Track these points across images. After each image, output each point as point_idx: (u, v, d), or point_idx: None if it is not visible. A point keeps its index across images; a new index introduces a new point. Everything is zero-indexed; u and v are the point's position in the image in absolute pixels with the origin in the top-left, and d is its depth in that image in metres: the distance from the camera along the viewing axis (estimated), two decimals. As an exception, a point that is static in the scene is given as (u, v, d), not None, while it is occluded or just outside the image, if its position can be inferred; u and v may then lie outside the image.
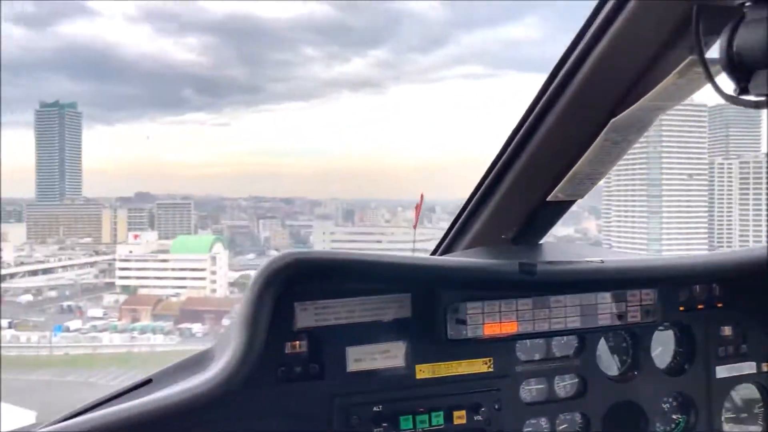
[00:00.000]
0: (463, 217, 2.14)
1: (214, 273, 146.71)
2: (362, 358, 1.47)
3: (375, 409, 1.50)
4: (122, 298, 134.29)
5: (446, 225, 2.26)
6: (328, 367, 1.46)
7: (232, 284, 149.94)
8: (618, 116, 1.58)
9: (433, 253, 2.20)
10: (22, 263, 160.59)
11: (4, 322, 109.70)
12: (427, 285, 1.61)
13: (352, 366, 1.48)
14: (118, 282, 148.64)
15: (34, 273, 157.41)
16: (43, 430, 1.42)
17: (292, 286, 1.37)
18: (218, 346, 1.57)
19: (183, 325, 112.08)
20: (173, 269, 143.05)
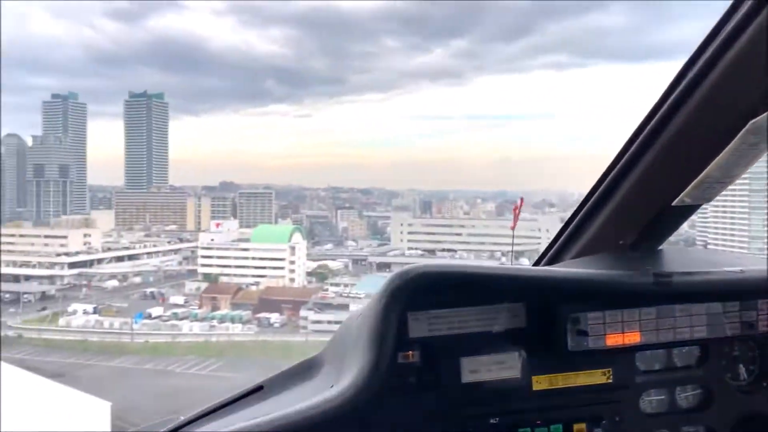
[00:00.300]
0: (576, 220, 2.07)
1: (292, 263, 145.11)
2: (477, 369, 1.45)
3: (492, 421, 1.49)
4: (203, 285, 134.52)
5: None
6: (443, 377, 1.44)
7: (309, 274, 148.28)
8: (759, 116, 1.50)
9: (543, 256, 2.14)
10: (109, 249, 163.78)
11: (89, 307, 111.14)
12: (544, 295, 1.60)
13: (467, 377, 1.46)
14: (200, 270, 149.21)
15: (121, 259, 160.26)
16: None
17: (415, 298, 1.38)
18: (328, 356, 1.57)
19: (261, 315, 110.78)
20: (253, 258, 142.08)
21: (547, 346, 1.57)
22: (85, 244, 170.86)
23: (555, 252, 2.03)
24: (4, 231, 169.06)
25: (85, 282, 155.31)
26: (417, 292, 1.31)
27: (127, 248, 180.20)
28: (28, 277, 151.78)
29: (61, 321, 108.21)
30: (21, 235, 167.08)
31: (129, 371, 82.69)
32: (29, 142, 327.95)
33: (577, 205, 2.04)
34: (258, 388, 1.51)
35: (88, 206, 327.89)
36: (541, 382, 1.56)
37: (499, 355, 1.44)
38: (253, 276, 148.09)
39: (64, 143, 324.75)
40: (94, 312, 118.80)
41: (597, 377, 1.64)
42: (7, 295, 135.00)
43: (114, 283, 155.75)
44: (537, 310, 1.54)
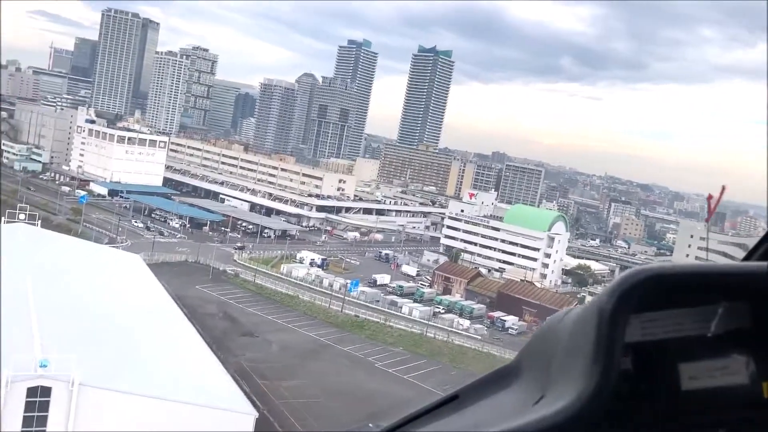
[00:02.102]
0: None
1: (548, 255, 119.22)
2: (698, 376, 1.31)
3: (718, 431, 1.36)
4: (442, 260, 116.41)
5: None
6: (659, 385, 1.30)
7: (566, 273, 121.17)
8: None
9: (755, 250, 1.89)
10: (360, 199, 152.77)
11: (318, 258, 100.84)
12: None
13: (686, 384, 1.31)
14: (443, 240, 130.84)
15: (369, 211, 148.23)
16: None
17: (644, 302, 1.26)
18: (528, 363, 1.47)
19: (496, 314, 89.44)
20: (502, 241, 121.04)
21: None
22: (338, 189, 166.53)
23: None
24: (269, 163, 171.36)
25: (328, 227, 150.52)
26: (646, 295, 1.22)
27: (377, 201, 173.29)
28: (278, 212, 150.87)
29: (284, 267, 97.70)
30: (282, 169, 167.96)
31: (324, 350, 70.86)
32: (320, 82, 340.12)
33: None
34: (453, 397, 1.43)
35: (362, 153, 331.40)
36: None
37: (722, 359, 1.31)
38: (498, 261, 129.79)
39: (350, 88, 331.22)
40: (322, 264, 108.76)
41: None
42: (251, 227, 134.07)
43: (355, 235, 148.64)
44: (765, 309, 1.38)
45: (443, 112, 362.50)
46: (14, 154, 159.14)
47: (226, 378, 45.37)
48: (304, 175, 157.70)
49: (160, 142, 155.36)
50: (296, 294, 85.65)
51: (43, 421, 35.18)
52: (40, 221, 71.18)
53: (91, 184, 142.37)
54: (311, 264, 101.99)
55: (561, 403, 1.14)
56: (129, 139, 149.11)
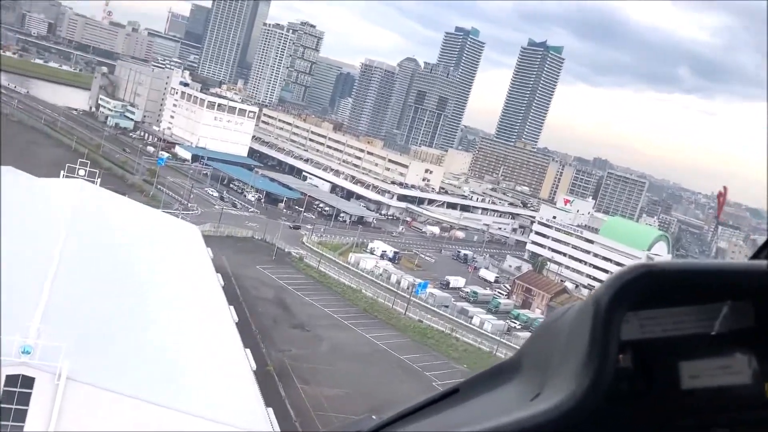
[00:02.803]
0: None
1: None
2: (698, 374, 1.30)
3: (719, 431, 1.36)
4: (525, 267, 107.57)
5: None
6: (659, 383, 1.29)
7: None
8: None
9: (763, 249, 1.94)
10: (445, 192, 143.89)
11: (390, 250, 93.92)
12: None
13: (687, 383, 1.31)
14: (529, 246, 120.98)
15: (453, 206, 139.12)
16: None
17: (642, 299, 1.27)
18: (527, 359, 1.48)
19: None
20: (595, 255, 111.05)
21: None
22: (424, 179, 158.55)
23: None
24: (356, 144, 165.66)
25: (407, 219, 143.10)
26: (642, 292, 1.22)
27: (464, 196, 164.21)
28: (358, 197, 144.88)
29: (352, 257, 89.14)
30: (369, 153, 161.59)
31: (379, 356, 62.95)
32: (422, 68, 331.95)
33: None
34: (454, 391, 1.45)
35: (455, 145, 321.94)
36: None
37: (723, 358, 1.30)
38: (588, 277, 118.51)
39: (452, 76, 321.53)
40: (394, 258, 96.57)
41: None
42: (327, 209, 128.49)
43: (434, 230, 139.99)
44: (767, 308, 1.37)
45: (546, 111, 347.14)
46: (110, 109, 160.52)
47: (252, 389, 39.11)
48: (389, 161, 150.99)
49: (249, 111, 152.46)
50: (360, 288, 79.02)
51: (21, 415, 30.03)
52: (100, 179, 67.53)
53: (177, 147, 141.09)
54: (382, 256, 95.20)
55: (556, 399, 1.16)
56: (219, 105, 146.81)
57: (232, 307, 53.31)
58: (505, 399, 1.33)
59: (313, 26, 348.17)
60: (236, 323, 49.96)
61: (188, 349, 38.70)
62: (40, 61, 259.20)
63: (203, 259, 59.98)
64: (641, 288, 1.18)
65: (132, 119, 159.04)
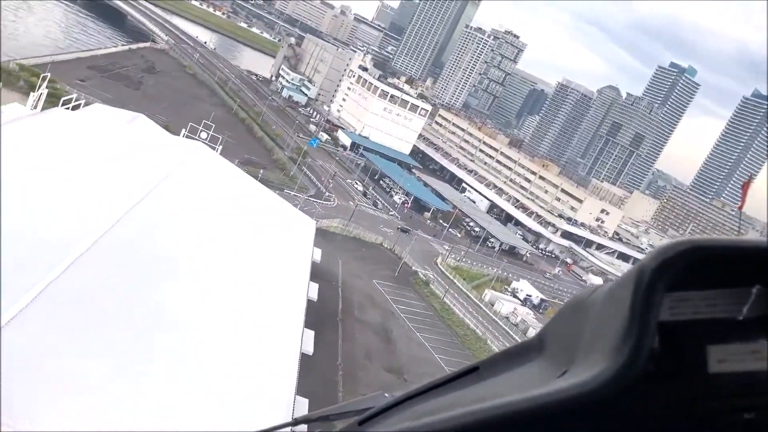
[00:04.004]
0: None
1: None
2: (727, 359, 1.20)
3: (746, 416, 1.21)
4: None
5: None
6: (686, 366, 1.21)
7: None
8: None
9: None
10: (619, 239, 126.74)
11: (536, 296, 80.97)
12: None
13: (714, 367, 1.20)
14: None
15: (625, 258, 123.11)
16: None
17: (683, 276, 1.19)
18: (552, 337, 1.40)
19: None
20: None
21: None
22: (597, 219, 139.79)
23: None
24: (529, 165, 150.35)
25: (568, 260, 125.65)
26: (686, 268, 1.15)
27: (639, 249, 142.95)
28: (516, 223, 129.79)
29: (487, 294, 71.58)
30: (540, 177, 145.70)
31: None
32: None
33: None
34: (473, 369, 1.39)
35: (643, 188, 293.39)
36: None
37: (753, 343, 1.21)
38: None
39: (654, 113, 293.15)
40: (539, 306, 76.30)
41: None
42: (477, 229, 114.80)
43: (597, 280, 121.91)
44: None
45: (756, 172, 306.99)
46: (287, 81, 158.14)
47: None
48: (562, 190, 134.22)
49: (422, 108, 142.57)
50: (485, 336, 65.41)
51: None
52: (221, 146, 59.71)
53: (339, 131, 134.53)
54: (525, 301, 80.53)
55: (584, 376, 1.12)
56: (391, 96, 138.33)
57: (311, 332, 42.52)
58: (529, 376, 1.31)
59: (516, 36, 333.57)
60: (318, 346, 39.28)
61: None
62: (245, 26, 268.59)
63: (300, 262, 49.84)
64: (685, 264, 1.13)
65: (306, 95, 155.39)
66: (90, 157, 42.98)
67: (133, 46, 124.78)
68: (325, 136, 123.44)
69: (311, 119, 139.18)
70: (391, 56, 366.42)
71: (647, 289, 1.09)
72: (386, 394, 1.40)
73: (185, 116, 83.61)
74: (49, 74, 53.37)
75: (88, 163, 42.08)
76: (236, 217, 48.01)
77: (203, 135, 59.08)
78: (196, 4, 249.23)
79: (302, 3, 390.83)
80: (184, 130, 59.31)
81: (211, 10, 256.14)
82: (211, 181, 51.47)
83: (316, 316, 44.14)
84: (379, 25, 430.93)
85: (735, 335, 1.15)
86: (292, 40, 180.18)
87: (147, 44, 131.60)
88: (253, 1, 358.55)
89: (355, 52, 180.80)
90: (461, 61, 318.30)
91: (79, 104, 57.82)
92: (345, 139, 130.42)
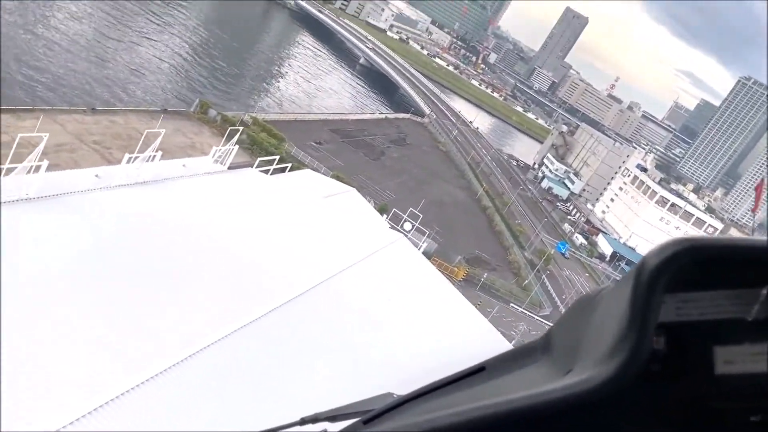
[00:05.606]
0: None
1: None
2: (733, 360, 1.18)
3: (752, 418, 1.20)
4: None
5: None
6: (692, 367, 1.20)
7: None
8: None
9: None
10: None
11: None
12: None
13: (721, 368, 1.19)
14: None
15: None
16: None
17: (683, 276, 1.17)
18: (557, 338, 1.39)
19: None
20: None
21: None
22: None
23: None
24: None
25: None
26: (685, 268, 1.13)
27: None
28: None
29: None
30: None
31: None
32: None
33: None
34: (480, 369, 1.38)
35: None
36: None
37: (760, 345, 1.19)
38: None
39: None
40: None
41: None
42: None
43: None
44: None
45: None
46: (550, 171, 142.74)
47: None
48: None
49: (709, 225, 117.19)
50: None
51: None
52: (434, 240, 46.43)
53: (600, 236, 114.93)
54: None
55: (586, 375, 1.12)
56: (672, 204, 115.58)
57: None
58: (535, 376, 1.30)
59: None
60: None
61: None
62: (520, 110, 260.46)
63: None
64: (685, 264, 1.11)
65: (569, 188, 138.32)
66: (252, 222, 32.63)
67: (390, 116, 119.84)
68: (580, 240, 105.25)
69: (569, 216, 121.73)
70: (678, 159, 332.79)
71: (647, 288, 1.08)
72: (394, 394, 1.40)
73: (418, 195, 72.77)
74: (241, 127, 45.44)
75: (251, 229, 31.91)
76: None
77: (407, 226, 46.57)
78: (475, 83, 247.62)
79: (588, 95, 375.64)
80: (386, 214, 47.48)
81: (489, 91, 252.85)
82: (398, 281, 38.24)
83: None
84: (669, 126, 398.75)
85: (742, 336, 1.14)
86: (564, 127, 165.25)
87: (406, 115, 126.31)
88: (536, 88, 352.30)
89: (635, 149, 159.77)
90: (761, 173, 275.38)
91: (286, 167, 48.83)
92: (605, 247, 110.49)
